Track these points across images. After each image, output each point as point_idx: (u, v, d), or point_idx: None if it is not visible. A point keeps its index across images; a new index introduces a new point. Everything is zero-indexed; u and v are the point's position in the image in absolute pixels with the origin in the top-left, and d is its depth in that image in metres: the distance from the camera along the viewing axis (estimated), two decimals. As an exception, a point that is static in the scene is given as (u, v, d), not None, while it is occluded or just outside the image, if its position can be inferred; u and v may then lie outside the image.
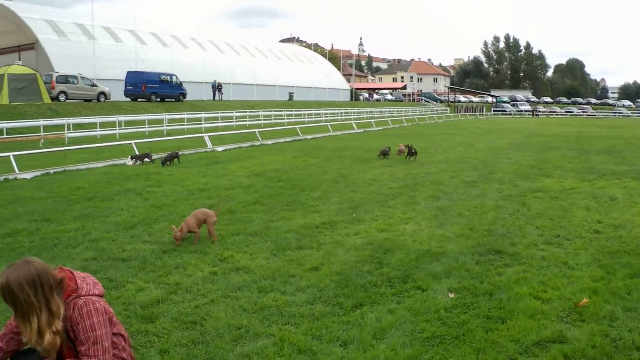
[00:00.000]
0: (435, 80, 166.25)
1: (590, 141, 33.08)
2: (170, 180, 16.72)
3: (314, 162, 20.82)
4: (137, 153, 23.04)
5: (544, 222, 10.99)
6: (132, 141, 25.16)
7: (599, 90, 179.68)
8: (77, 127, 36.96)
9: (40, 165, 20.58)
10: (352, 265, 8.25)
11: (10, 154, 19.96)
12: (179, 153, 20.91)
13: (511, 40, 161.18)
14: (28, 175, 18.38)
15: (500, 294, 7.00)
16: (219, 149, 26.53)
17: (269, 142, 30.47)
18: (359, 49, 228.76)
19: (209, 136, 28.92)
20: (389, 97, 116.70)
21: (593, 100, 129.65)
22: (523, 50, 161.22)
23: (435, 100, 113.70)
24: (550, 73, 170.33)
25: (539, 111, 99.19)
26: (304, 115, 58.06)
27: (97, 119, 37.65)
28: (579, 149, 27.44)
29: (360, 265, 8.25)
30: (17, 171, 18.77)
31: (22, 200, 13.81)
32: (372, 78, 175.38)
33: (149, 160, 20.87)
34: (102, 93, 50.17)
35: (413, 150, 21.90)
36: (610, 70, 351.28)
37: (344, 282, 7.50)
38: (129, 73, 54.39)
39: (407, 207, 12.61)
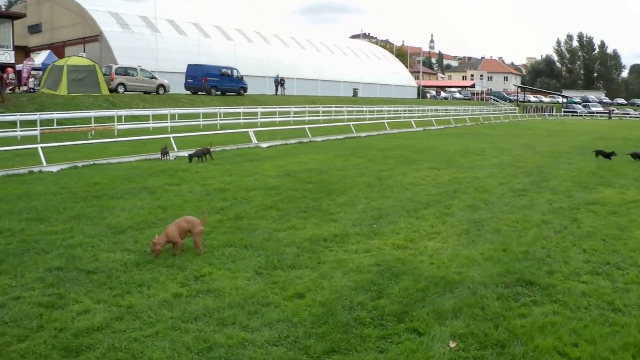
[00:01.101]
0: (505, 79, 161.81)
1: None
2: (194, 178, 15.58)
3: (355, 162, 19.37)
4: (175, 148, 22.14)
5: (594, 244, 9.26)
6: (170, 135, 24.20)
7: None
8: (132, 119, 36.45)
9: (80, 157, 19.88)
10: (344, 293, 6.81)
11: (39, 145, 19.31)
12: (211, 149, 19.74)
13: (585, 38, 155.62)
14: (55, 168, 17.59)
15: (516, 347, 5.45)
16: (264, 145, 25.36)
17: (319, 139, 29.11)
18: (430, 46, 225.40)
19: (255, 132, 27.76)
20: (457, 95, 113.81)
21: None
22: (597, 50, 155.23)
23: (505, 99, 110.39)
24: (625, 74, 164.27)
25: (614, 113, 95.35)
26: (366, 112, 56.51)
27: (150, 112, 37.10)
28: (651, 155, 25.17)
29: (354, 293, 6.80)
30: (44, 163, 18.02)
31: (30, 196, 12.92)
32: (442, 76, 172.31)
33: (164, 156, 19.80)
34: (162, 85, 49.72)
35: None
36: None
37: (324, 317, 6.08)
38: (189, 66, 53.77)
39: (438, 218, 11.03)
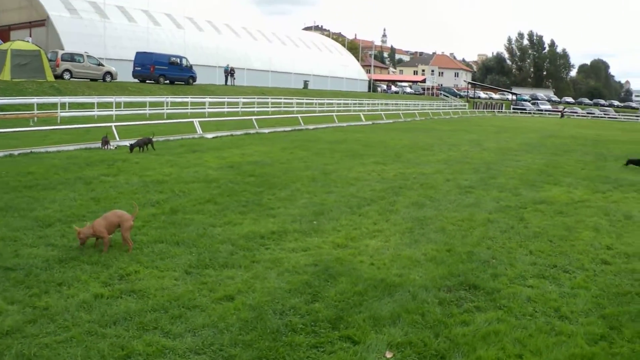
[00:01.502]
0: (456, 74, 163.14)
1: (609, 145, 30.77)
2: (133, 169, 14.98)
3: (301, 155, 18.95)
4: (117, 137, 21.46)
5: (540, 246, 9.05)
6: (112, 124, 23.47)
7: (623, 93, 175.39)
8: (77, 106, 35.47)
9: (18, 145, 19.05)
10: (277, 295, 6.41)
11: (-29, 132, 18.46)
12: (154, 139, 19.12)
13: (535, 37, 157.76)
14: (-12, 155, 16.83)
15: (456, 358, 5.12)
16: (209, 135, 24.74)
17: (266, 130, 28.56)
18: (382, 40, 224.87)
19: (201, 122, 27.10)
20: (408, 90, 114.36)
21: (616, 103, 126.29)
22: (547, 49, 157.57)
23: (455, 95, 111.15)
24: (573, 73, 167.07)
25: (566, 111, 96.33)
26: (316, 104, 56.11)
27: (95, 99, 36.15)
28: (596, 153, 25.28)
29: (287, 296, 6.40)
30: (-24, 151, 17.26)
31: (-44, 185, 12.22)
32: (394, 70, 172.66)
33: (105, 146, 19.17)
34: (109, 73, 48.56)
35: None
36: (635, 72, 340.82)
37: (253, 322, 5.67)
38: (137, 54, 52.67)
39: (382, 215, 10.69)
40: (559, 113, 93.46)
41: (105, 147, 19.09)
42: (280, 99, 53.09)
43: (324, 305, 6.18)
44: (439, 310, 6.20)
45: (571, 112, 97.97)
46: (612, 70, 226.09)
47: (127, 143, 19.24)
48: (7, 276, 6.80)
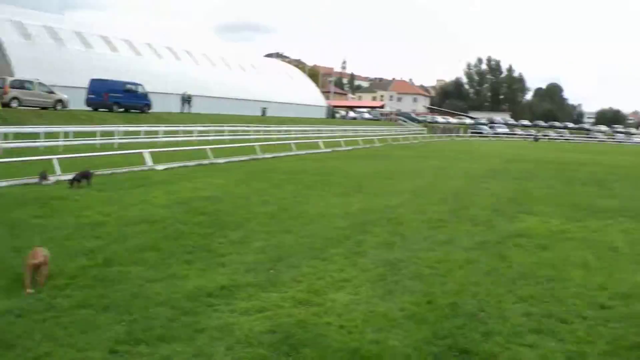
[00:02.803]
0: (414, 100, 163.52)
1: (572, 168, 30.17)
2: (70, 208, 13.40)
3: (258, 188, 17.54)
4: (59, 170, 19.85)
5: (530, 290, 7.88)
6: (55, 156, 21.81)
7: (575, 115, 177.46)
8: (23, 136, 33.70)
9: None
10: (223, 383, 5.07)
11: None
12: (92, 172, 17.58)
13: (492, 62, 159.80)
14: None
15: None
16: (160, 167, 23.17)
17: (221, 160, 27.03)
18: (342, 67, 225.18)
19: (153, 152, 25.48)
20: (367, 115, 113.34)
21: (570, 125, 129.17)
22: (505, 73, 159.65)
23: (413, 120, 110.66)
24: (529, 96, 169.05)
25: (540, 136, 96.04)
26: (274, 132, 54.82)
27: (41, 129, 34.37)
28: (562, 178, 24.33)
29: (236, 383, 5.07)
30: None
31: None
32: (353, 96, 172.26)
33: (42, 181, 17.71)
34: (60, 101, 46.68)
35: None
36: (587, 95, 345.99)
37: None
38: (92, 81, 50.69)
39: (348, 259, 9.35)
40: (532, 137, 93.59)
41: (43, 182, 17.56)
42: (238, 127, 51.84)
43: (283, 397, 4.84)
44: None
45: (527, 135, 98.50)
46: (565, 94, 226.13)
47: (70, 177, 17.67)
48: None
